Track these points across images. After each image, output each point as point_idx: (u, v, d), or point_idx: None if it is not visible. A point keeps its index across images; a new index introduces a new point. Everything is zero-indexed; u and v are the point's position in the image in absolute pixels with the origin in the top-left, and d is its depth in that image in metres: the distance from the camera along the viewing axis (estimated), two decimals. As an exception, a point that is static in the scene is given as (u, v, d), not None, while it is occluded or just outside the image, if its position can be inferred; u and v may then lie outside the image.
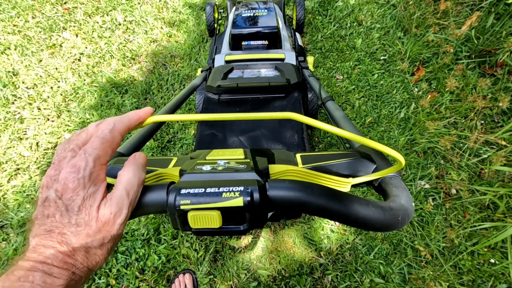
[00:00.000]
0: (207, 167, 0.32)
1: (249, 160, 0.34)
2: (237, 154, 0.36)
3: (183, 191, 0.28)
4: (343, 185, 0.36)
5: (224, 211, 0.27)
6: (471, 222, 1.24)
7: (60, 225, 0.25)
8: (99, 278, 1.17)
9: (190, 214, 0.27)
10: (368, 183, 0.38)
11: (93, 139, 0.28)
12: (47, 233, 0.25)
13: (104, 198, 0.27)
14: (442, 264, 1.17)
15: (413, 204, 0.32)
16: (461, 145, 1.41)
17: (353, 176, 0.39)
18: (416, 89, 1.64)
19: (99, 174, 0.27)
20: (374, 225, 0.29)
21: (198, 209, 0.27)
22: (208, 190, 0.27)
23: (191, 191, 0.27)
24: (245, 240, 1.25)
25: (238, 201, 0.27)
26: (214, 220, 0.27)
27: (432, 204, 1.30)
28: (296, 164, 0.41)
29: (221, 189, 0.27)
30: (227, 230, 0.28)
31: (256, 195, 0.27)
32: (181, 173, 0.33)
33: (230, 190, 0.27)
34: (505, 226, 1.17)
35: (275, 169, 0.35)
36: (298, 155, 0.43)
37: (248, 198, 0.27)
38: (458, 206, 1.29)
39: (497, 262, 1.16)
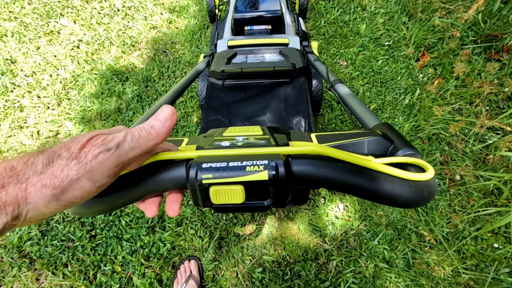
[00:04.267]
0: (226, 143, 0.31)
1: (268, 136, 0.33)
2: (255, 130, 0.35)
3: (204, 165, 0.27)
4: (369, 161, 0.35)
5: (247, 185, 0.26)
6: (475, 207, 1.24)
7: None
8: (105, 265, 1.18)
9: (212, 189, 0.26)
10: None
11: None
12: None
13: None
14: (446, 249, 1.18)
15: (437, 180, 0.31)
16: (466, 131, 1.40)
17: (372, 156, 0.38)
18: (421, 75, 1.62)
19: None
20: (399, 201, 0.28)
21: (221, 184, 0.26)
22: (231, 164, 0.26)
23: (213, 165, 0.26)
24: (250, 227, 1.26)
25: (263, 175, 0.26)
26: (237, 195, 0.26)
27: (436, 190, 1.30)
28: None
29: (244, 163, 0.26)
30: (250, 206, 0.28)
31: (282, 169, 0.26)
32: (199, 149, 0.32)
33: (254, 163, 0.26)
34: (509, 211, 1.18)
35: (296, 145, 0.34)
36: (312, 135, 0.42)
37: (274, 172, 0.26)
38: (462, 192, 1.29)
39: (500, 246, 1.17)
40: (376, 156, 0.37)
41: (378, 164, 0.29)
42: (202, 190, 0.27)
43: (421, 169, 0.32)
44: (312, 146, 0.29)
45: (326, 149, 0.29)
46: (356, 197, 0.34)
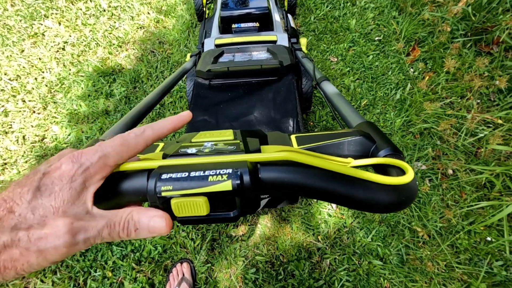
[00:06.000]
0: (192, 150, 0.29)
1: (239, 141, 0.31)
2: (226, 135, 0.33)
3: (164, 176, 0.25)
4: (343, 166, 0.33)
5: (211, 196, 0.24)
6: (468, 201, 1.24)
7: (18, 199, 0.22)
8: (95, 271, 1.16)
9: (173, 202, 0.24)
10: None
11: (116, 137, 0.26)
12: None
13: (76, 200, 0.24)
14: (439, 244, 1.17)
15: (417, 182, 0.30)
16: (457, 125, 1.39)
17: (353, 157, 0.36)
18: (411, 70, 1.61)
19: (97, 172, 0.24)
20: (377, 206, 0.27)
21: (182, 196, 0.24)
22: (193, 174, 0.24)
23: (173, 175, 0.24)
24: (242, 227, 1.24)
25: (226, 185, 0.24)
26: (200, 207, 0.24)
27: (429, 185, 1.29)
28: (290, 145, 0.38)
29: (207, 172, 0.24)
30: (215, 218, 0.26)
31: (247, 178, 0.24)
32: (164, 157, 0.30)
33: (217, 173, 0.24)
34: (501, 204, 1.17)
35: (268, 150, 0.32)
36: (292, 136, 0.40)
37: (238, 181, 0.24)
38: (454, 186, 1.28)
39: (493, 240, 1.17)
40: (357, 157, 0.35)
41: (351, 169, 0.28)
42: (163, 203, 0.25)
43: (402, 171, 0.30)
44: (282, 151, 0.28)
45: (297, 155, 0.27)
46: (332, 203, 0.32)
